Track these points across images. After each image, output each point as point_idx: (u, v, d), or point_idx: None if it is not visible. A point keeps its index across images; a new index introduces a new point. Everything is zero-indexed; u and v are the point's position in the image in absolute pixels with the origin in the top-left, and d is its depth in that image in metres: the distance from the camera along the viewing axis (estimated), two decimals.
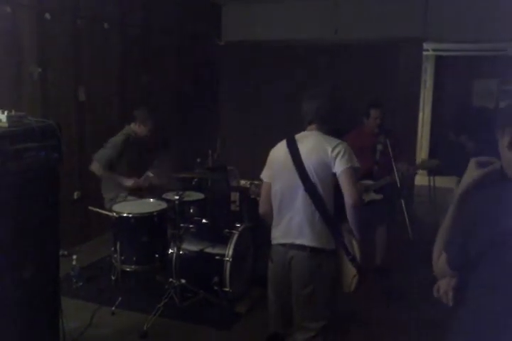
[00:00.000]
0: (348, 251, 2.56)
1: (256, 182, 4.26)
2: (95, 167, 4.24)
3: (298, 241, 2.56)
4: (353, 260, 2.55)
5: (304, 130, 2.72)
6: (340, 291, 2.65)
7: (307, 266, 2.56)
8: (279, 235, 2.66)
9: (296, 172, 2.55)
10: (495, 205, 1.44)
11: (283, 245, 2.62)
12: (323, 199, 2.53)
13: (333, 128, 2.70)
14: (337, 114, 2.69)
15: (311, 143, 2.60)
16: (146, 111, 4.45)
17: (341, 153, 2.52)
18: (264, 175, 2.76)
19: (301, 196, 2.55)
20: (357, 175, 2.62)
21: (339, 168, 2.50)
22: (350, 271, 2.56)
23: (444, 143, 5.32)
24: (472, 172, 1.58)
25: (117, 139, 4.30)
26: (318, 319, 2.60)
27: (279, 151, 2.69)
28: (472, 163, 1.59)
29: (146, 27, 5.94)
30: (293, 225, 2.58)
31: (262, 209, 2.78)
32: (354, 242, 2.58)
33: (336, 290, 2.63)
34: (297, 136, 2.68)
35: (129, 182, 4.26)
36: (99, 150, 4.27)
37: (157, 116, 4.58)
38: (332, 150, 2.52)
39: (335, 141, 2.59)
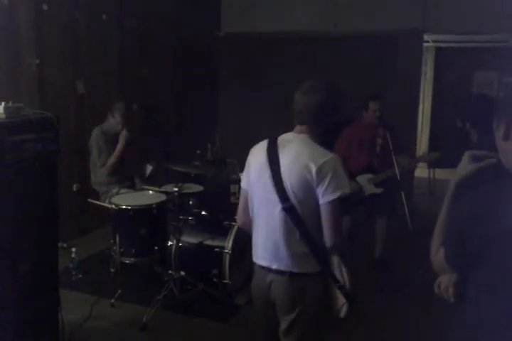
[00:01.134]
0: (335, 278, 2.21)
1: None
2: (97, 174, 4.32)
3: (274, 266, 2.23)
4: (341, 288, 2.21)
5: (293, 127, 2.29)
6: (328, 318, 2.34)
7: (288, 291, 2.23)
8: (257, 255, 2.33)
9: (273, 187, 2.16)
10: (493, 203, 1.40)
11: (262, 267, 2.31)
12: (304, 220, 2.15)
13: (324, 131, 2.28)
14: (334, 116, 2.25)
15: (294, 151, 2.17)
16: (118, 105, 4.44)
17: (329, 177, 2.08)
18: (243, 178, 2.37)
19: (278, 213, 2.17)
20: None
21: (324, 197, 2.10)
22: (339, 299, 2.24)
23: (447, 133, 5.27)
24: (465, 166, 1.54)
25: (91, 141, 4.35)
26: None
27: (258, 155, 2.28)
28: (466, 156, 1.54)
29: (144, 18, 5.90)
30: (269, 245, 2.24)
31: (239, 220, 2.47)
32: (343, 267, 2.23)
33: (322, 315, 2.29)
34: (280, 139, 2.25)
35: (122, 138, 4.27)
36: (91, 162, 4.36)
37: (132, 111, 4.57)
38: (318, 171, 2.08)
39: (322, 156, 2.13)
